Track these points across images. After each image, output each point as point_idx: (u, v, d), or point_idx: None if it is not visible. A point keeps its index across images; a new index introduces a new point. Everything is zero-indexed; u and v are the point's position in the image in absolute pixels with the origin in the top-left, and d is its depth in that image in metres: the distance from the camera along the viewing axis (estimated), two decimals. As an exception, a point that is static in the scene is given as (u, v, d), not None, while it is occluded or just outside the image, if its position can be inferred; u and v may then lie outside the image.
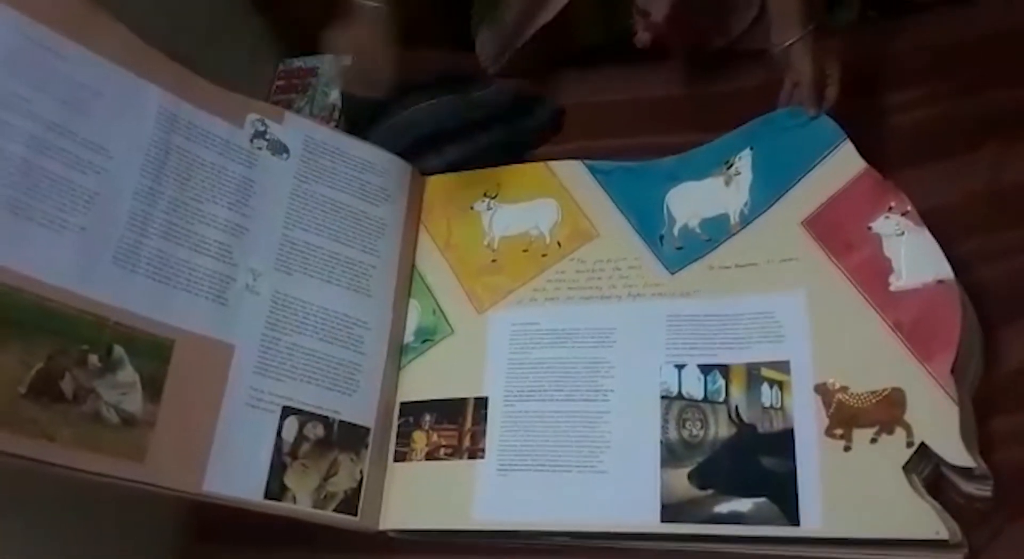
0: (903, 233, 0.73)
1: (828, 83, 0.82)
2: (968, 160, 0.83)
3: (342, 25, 0.84)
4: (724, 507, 0.70)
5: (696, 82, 0.99)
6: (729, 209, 0.83)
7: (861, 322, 0.72)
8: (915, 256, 0.72)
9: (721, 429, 0.73)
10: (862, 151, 0.84)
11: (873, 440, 0.68)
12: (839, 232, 0.77)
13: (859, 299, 0.73)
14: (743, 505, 0.69)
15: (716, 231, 0.83)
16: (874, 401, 0.69)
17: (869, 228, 0.75)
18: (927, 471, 0.67)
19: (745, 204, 0.83)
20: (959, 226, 0.79)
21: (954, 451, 0.65)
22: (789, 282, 0.77)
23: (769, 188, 0.82)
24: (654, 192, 0.87)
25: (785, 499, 0.68)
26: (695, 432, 0.74)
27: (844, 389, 0.70)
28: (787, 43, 0.80)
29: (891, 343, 0.70)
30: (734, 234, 0.82)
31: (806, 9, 0.80)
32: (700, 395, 0.75)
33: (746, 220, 0.82)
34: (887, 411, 0.68)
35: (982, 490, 0.66)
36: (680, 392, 0.76)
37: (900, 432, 0.67)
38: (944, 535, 0.62)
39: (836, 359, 0.72)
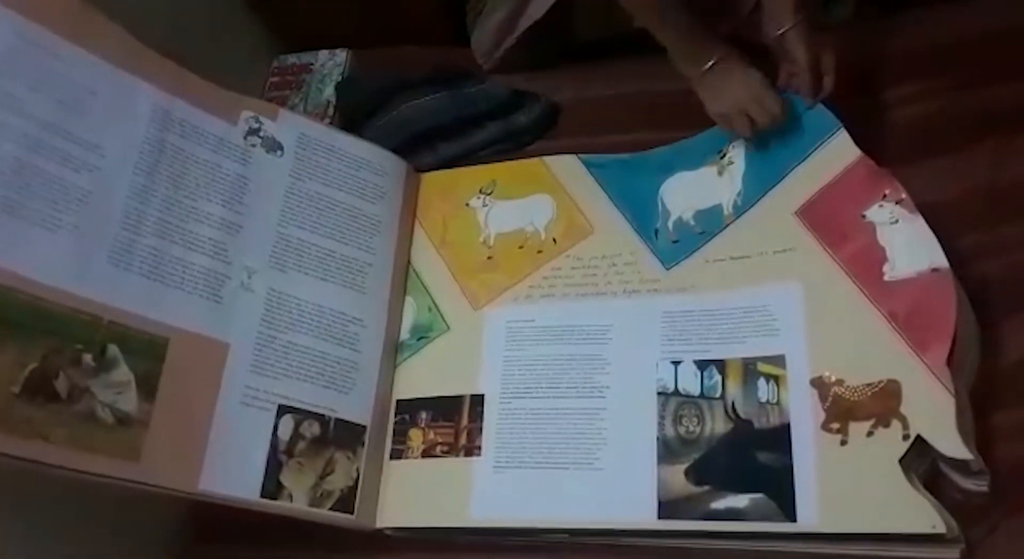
0: (897, 221, 0.73)
1: (825, 72, 0.82)
2: (966, 156, 0.83)
3: (712, 92, 0.82)
4: (721, 503, 0.70)
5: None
6: (722, 200, 0.83)
7: (856, 313, 0.72)
8: (909, 244, 0.72)
9: (718, 425, 0.73)
10: (860, 147, 0.84)
11: (869, 434, 0.68)
12: (833, 222, 0.77)
13: (854, 290, 0.73)
14: (740, 501, 0.69)
15: (710, 223, 0.82)
16: (870, 393, 0.69)
17: (863, 216, 0.75)
18: (924, 467, 0.67)
19: (738, 194, 0.82)
20: (958, 221, 0.78)
21: (950, 443, 0.64)
22: (783, 274, 0.77)
23: (762, 178, 0.82)
24: (649, 185, 0.87)
25: (782, 495, 0.68)
26: (691, 428, 0.73)
27: (840, 382, 0.70)
28: (780, 31, 0.80)
29: (886, 334, 0.70)
30: (727, 225, 0.82)
31: (797, 2, 0.80)
32: (696, 391, 0.75)
33: (739, 210, 0.82)
34: (883, 403, 0.68)
35: (979, 486, 0.66)
36: (676, 388, 0.75)
37: (896, 425, 0.67)
38: (941, 529, 0.62)
39: (831, 352, 0.72)
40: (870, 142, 0.85)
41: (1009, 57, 0.87)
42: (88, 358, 0.68)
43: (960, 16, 0.93)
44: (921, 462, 0.67)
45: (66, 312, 0.68)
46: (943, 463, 0.67)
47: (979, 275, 0.75)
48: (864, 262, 0.73)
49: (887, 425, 0.67)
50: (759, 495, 0.69)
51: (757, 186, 0.82)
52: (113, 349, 0.69)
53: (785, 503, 0.68)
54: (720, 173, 0.85)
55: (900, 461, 0.65)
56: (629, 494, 0.73)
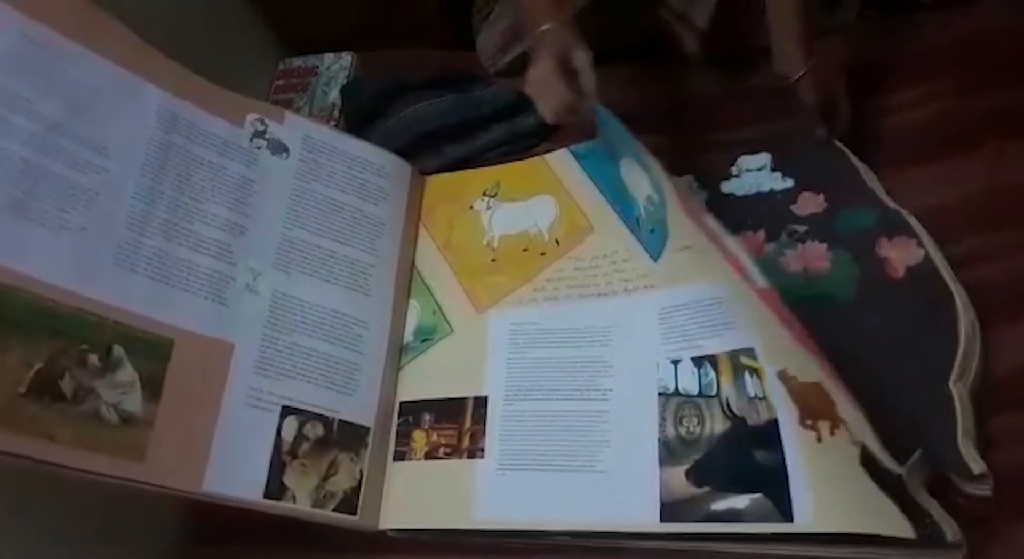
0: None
1: (839, 107, 0.83)
2: (967, 160, 0.83)
3: (534, 62, 0.80)
4: (721, 504, 0.69)
5: (696, 83, 0.99)
6: (650, 186, 0.82)
7: (765, 314, 0.71)
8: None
9: (716, 424, 0.71)
10: (861, 150, 0.84)
11: (832, 433, 0.66)
12: (699, 218, 0.77)
13: (750, 292, 0.72)
14: (740, 502, 0.68)
15: (656, 209, 0.81)
16: (813, 393, 0.67)
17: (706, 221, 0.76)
18: (927, 471, 0.67)
19: (651, 180, 0.82)
20: (958, 225, 0.79)
21: (883, 457, 0.64)
22: (719, 262, 0.75)
23: (644, 165, 0.81)
24: (616, 170, 0.86)
25: (778, 494, 0.66)
26: (692, 429, 0.72)
27: (794, 378, 0.68)
28: (793, 79, 0.81)
29: (787, 335, 0.69)
30: (665, 213, 0.79)
31: (808, 46, 0.81)
32: (695, 390, 0.73)
33: (661, 197, 0.80)
34: (823, 405, 0.66)
35: (982, 490, 0.66)
36: (677, 388, 0.74)
37: (843, 427, 0.66)
38: (908, 534, 0.60)
39: (774, 345, 0.70)
40: (871, 145, 0.86)
41: (1010, 60, 0.87)
42: (94, 358, 0.68)
43: (962, 19, 0.93)
44: (924, 466, 0.67)
45: (72, 313, 0.68)
46: (945, 467, 0.67)
47: (980, 279, 0.75)
48: (735, 267, 0.73)
49: (837, 427, 0.66)
50: (757, 495, 0.67)
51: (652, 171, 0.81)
52: (118, 350, 0.70)
53: (782, 502, 0.66)
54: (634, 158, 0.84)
55: (906, 465, 0.65)
56: (632, 496, 0.72)
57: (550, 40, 0.79)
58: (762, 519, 0.67)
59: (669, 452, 0.73)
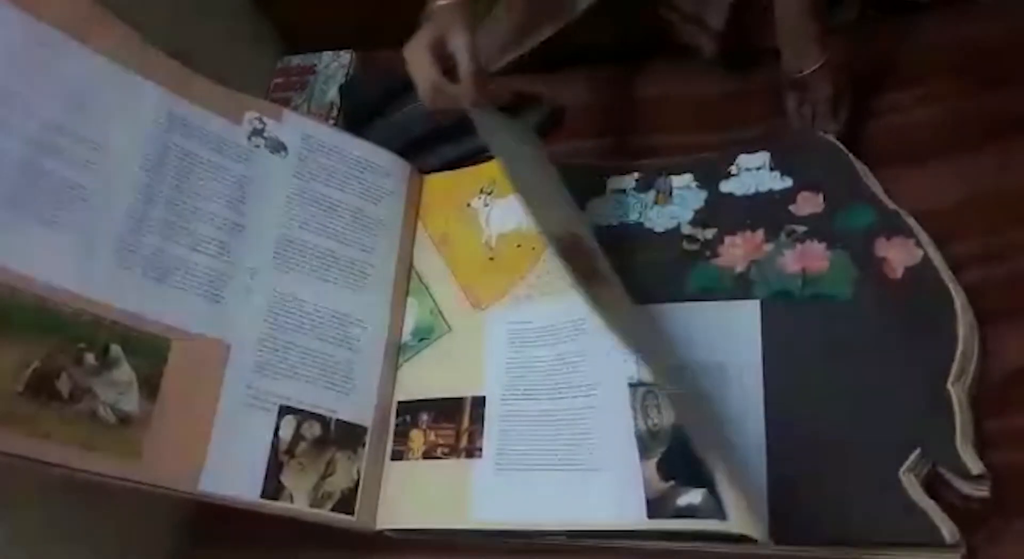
0: None
1: (846, 99, 0.82)
2: (968, 160, 0.83)
3: (418, 37, 0.77)
4: (684, 500, 0.66)
5: (696, 81, 0.99)
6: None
7: None
8: None
9: (670, 414, 0.69)
10: (861, 150, 0.84)
11: None
12: None
13: None
14: (696, 497, 0.65)
15: None
16: None
17: None
18: (924, 472, 0.67)
19: None
20: (959, 226, 0.78)
21: None
22: None
23: None
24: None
25: (714, 489, 0.63)
26: (655, 420, 0.70)
27: None
28: (807, 72, 0.81)
29: None
30: None
31: (823, 41, 0.80)
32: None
33: None
34: None
35: (980, 491, 0.66)
36: (640, 377, 0.72)
37: None
38: (761, 537, 0.59)
39: None
40: (871, 145, 0.85)
41: (1011, 61, 0.87)
42: (90, 358, 0.68)
43: (963, 19, 0.92)
44: (922, 467, 0.67)
45: (69, 312, 0.68)
46: (943, 468, 0.67)
47: (980, 280, 0.75)
48: None
49: None
50: (704, 489, 0.64)
51: None
52: (115, 349, 0.70)
53: (719, 499, 0.63)
54: None
55: (906, 467, 0.65)
56: (622, 493, 0.71)
57: (436, 17, 0.77)
58: (711, 515, 0.64)
59: (644, 445, 0.70)
